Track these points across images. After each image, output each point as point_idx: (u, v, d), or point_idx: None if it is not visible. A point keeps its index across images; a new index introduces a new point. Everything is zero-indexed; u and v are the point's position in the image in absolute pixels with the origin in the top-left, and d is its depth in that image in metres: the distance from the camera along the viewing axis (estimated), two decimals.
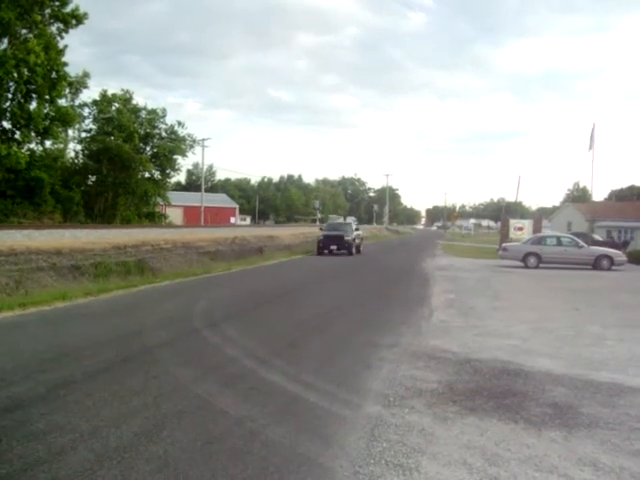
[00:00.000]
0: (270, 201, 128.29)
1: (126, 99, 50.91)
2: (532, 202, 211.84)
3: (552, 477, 4.29)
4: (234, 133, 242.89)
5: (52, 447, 4.58)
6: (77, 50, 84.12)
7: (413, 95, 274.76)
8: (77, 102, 46.36)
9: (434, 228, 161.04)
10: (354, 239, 33.80)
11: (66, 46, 37.98)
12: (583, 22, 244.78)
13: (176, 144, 52.72)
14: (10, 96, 35.96)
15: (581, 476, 4.32)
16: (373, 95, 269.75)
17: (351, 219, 64.63)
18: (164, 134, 53.10)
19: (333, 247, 32.93)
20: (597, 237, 39.89)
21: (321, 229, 37.21)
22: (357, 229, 36.69)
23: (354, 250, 33.36)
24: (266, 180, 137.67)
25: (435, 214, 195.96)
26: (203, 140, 64.25)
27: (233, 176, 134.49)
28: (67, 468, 4.21)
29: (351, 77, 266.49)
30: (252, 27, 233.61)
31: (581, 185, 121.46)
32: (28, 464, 4.26)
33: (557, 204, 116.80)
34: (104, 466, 4.25)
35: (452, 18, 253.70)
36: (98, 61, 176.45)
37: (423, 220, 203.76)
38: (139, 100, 52.99)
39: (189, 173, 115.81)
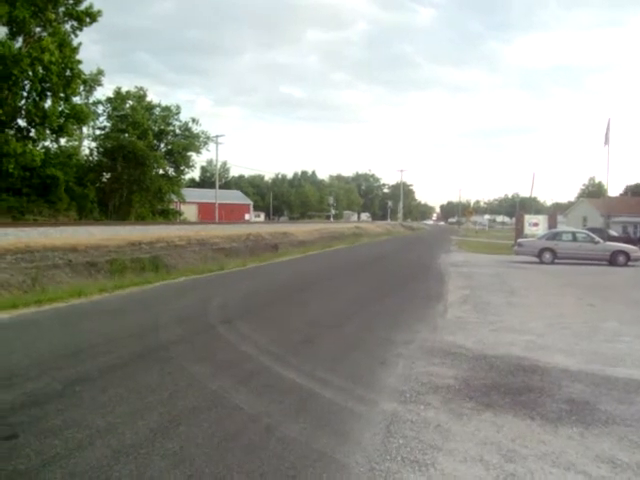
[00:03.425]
0: (284, 197, 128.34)
1: (140, 96, 51.13)
2: (547, 197, 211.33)
3: (569, 474, 4.27)
4: (246, 130, 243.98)
5: (69, 443, 4.60)
6: (88, 48, 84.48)
7: (424, 91, 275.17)
8: (91, 100, 46.71)
9: (442, 223, 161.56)
10: None
11: (80, 44, 38.33)
12: (593, 17, 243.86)
13: (190, 141, 52.85)
14: (25, 94, 36.30)
15: (598, 473, 4.29)
16: (384, 91, 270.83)
17: (365, 215, 63.89)
18: (178, 131, 53.30)
19: None
20: (613, 232, 39.69)
21: None
22: None
23: None
24: (280, 176, 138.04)
25: (449, 210, 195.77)
26: (217, 137, 64.32)
27: (247, 173, 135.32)
28: (84, 463, 4.23)
29: (362, 73, 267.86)
30: (262, 24, 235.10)
31: (596, 180, 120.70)
32: (46, 460, 4.28)
33: (572, 199, 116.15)
34: (120, 462, 4.27)
35: (461, 14, 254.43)
36: (109, 59, 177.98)
37: (434, 216, 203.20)
38: (152, 97, 53.58)
39: (203, 170, 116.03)
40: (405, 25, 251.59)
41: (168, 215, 51.89)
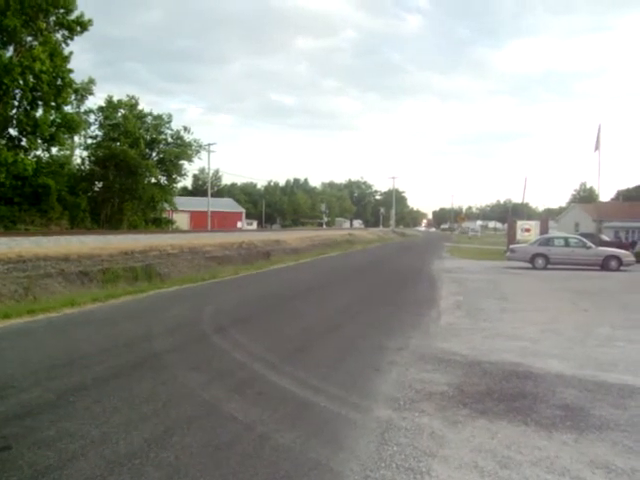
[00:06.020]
0: (277, 205, 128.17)
1: (132, 105, 51.01)
2: (539, 203, 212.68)
3: None
4: (238, 138, 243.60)
5: (63, 454, 4.58)
6: (78, 57, 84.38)
7: (414, 98, 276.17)
8: (83, 109, 46.50)
9: (433, 230, 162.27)
10: None
11: (71, 53, 38.24)
12: (581, 22, 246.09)
13: (182, 149, 52.76)
14: (16, 103, 36.18)
15: (593, 478, 4.30)
16: (375, 98, 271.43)
17: (358, 222, 63.65)
18: (170, 139, 53.19)
19: None
20: (605, 237, 39.77)
21: None
22: None
23: None
24: (272, 184, 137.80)
25: (441, 216, 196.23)
26: (209, 145, 64.21)
27: (239, 181, 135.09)
28: (78, 475, 4.21)
29: (351, 80, 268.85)
30: (251, 32, 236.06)
31: (588, 185, 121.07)
32: (39, 471, 4.26)
33: (564, 205, 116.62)
34: (114, 472, 4.25)
35: (449, 20, 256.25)
36: (99, 68, 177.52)
37: (424, 222, 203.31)
38: (143, 106, 53.81)
39: (195, 178, 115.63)
40: (393, 32, 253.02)
41: (160, 224, 51.80)
